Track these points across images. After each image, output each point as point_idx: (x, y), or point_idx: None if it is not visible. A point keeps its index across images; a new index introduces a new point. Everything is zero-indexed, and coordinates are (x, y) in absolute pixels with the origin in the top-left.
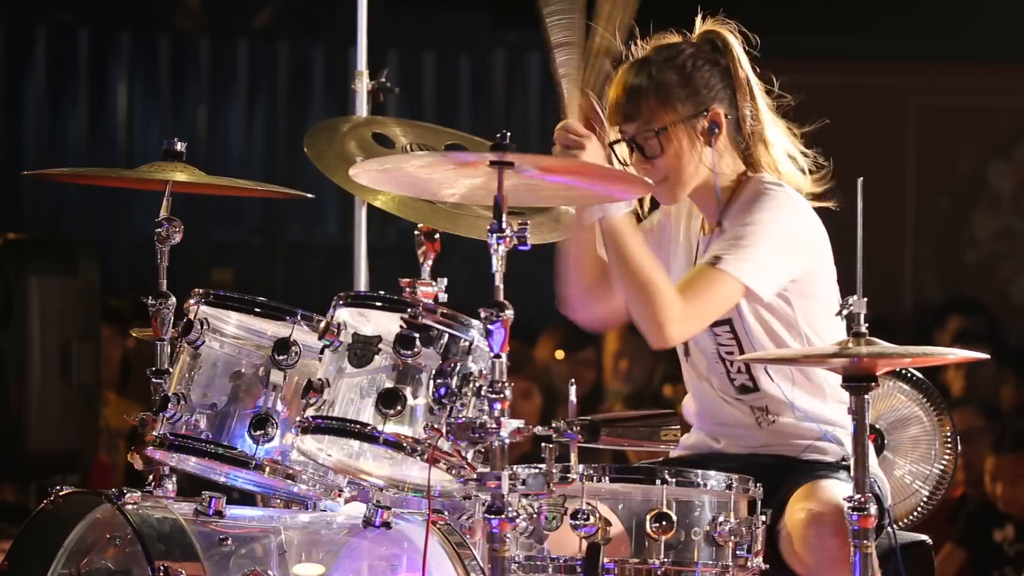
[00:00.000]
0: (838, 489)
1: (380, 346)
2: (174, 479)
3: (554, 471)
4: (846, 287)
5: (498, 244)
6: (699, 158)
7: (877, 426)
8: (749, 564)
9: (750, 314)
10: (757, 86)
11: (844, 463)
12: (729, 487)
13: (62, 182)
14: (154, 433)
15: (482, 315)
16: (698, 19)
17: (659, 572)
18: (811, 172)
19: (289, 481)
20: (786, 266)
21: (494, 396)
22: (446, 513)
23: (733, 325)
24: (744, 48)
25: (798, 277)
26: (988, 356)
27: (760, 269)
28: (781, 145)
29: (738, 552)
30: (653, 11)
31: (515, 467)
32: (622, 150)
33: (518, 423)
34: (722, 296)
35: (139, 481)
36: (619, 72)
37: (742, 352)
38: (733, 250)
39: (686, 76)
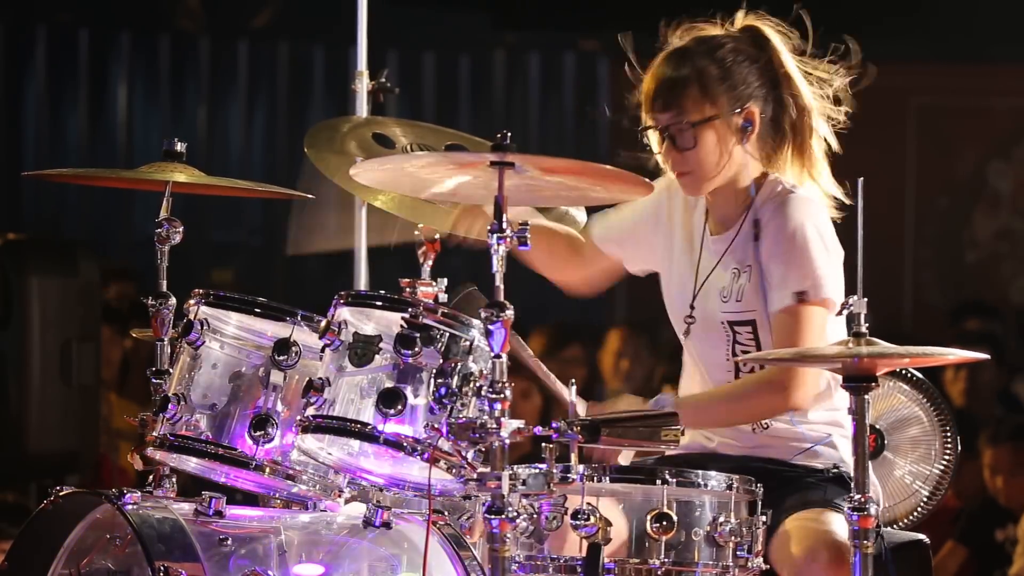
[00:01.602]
0: (835, 523)
1: (381, 345)
2: (174, 479)
3: (554, 471)
4: (846, 287)
5: (498, 244)
6: (729, 154)
7: (877, 426)
8: (749, 564)
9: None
10: (802, 80)
11: (834, 471)
12: (730, 487)
13: (62, 182)
14: (154, 434)
15: (483, 315)
16: (740, 13)
17: (659, 572)
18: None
19: (289, 482)
20: (839, 266)
21: (494, 396)
22: (446, 513)
23: (756, 327)
24: (787, 43)
25: None
26: (987, 356)
27: (831, 278)
28: (821, 142)
29: (738, 552)
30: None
31: (515, 467)
32: (652, 138)
33: (518, 423)
34: (814, 327)
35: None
36: (657, 60)
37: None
38: (806, 280)
39: (726, 70)
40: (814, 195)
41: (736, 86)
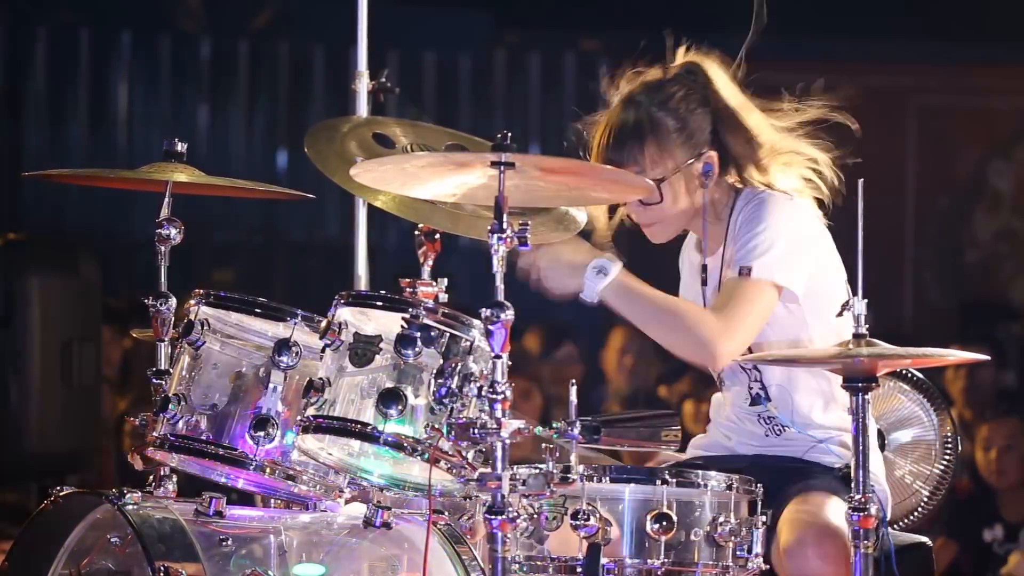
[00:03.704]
0: (830, 509)
1: (381, 346)
2: (174, 479)
3: (554, 471)
4: (846, 287)
5: (499, 244)
6: (693, 199)
7: (878, 426)
8: (749, 564)
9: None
10: (743, 109)
11: (846, 469)
12: (729, 487)
13: (62, 182)
14: (154, 434)
15: (483, 315)
16: (681, 50)
17: (659, 572)
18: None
19: (289, 482)
20: (804, 259)
21: (494, 396)
22: (446, 513)
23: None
24: (732, 76)
25: (812, 273)
26: (987, 357)
27: (786, 265)
28: (782, 160)
29: (738, 552)
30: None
31: (516, 467)
32: None
33: (519, 423)
34: (760, 303)
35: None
36: (610, 113)
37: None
38: (754, 255)
39: (681, 120)
40: (794, 196)
41: (693, 134)
